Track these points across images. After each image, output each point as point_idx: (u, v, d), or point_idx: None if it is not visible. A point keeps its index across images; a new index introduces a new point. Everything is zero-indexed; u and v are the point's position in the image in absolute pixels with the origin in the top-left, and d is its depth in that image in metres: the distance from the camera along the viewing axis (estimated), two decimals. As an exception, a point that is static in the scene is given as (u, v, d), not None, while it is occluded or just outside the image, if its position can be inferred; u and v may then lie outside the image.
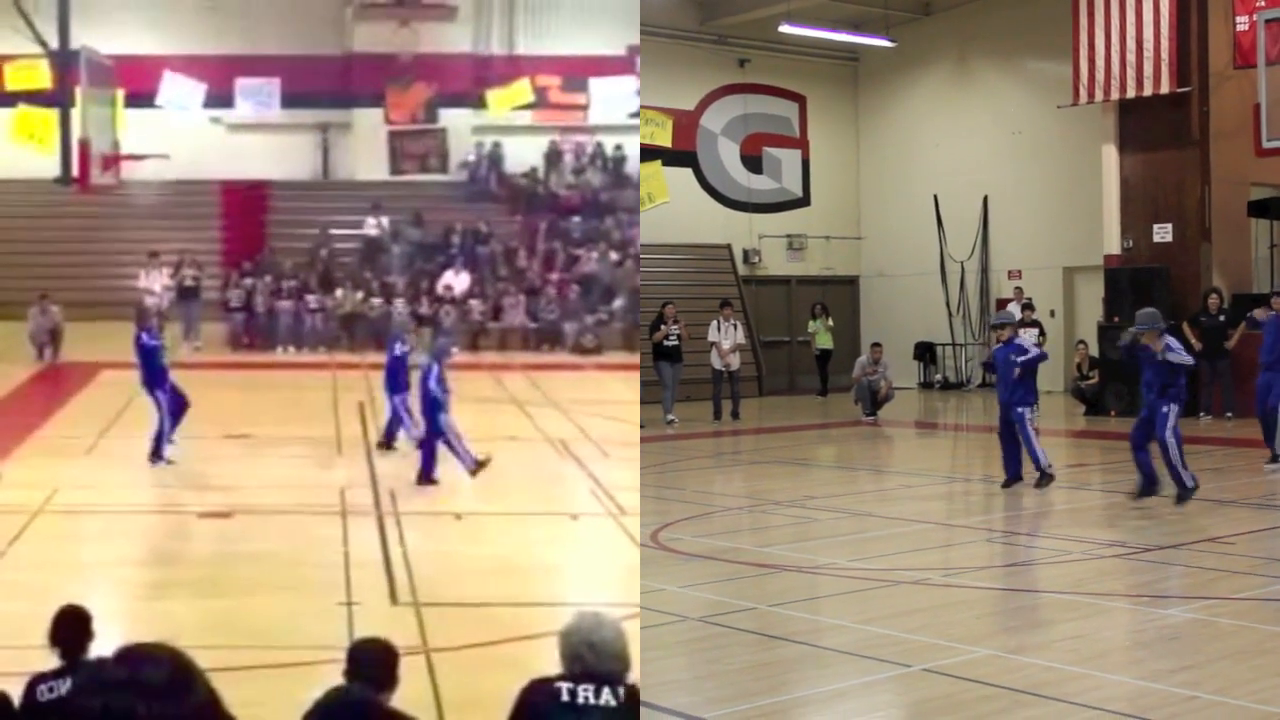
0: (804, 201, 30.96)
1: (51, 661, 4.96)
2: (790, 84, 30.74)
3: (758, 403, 26.34)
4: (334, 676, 4.50)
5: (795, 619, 8.58)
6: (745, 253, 29.89)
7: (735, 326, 23.43)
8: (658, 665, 7.34)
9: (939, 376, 29.44)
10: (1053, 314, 26.64)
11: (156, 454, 12.73)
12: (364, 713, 4.10)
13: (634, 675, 4.05)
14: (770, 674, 7.37)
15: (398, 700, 4.36)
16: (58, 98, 22.40)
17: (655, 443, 18.88)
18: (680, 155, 28.29)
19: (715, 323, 23.21)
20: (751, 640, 8.03)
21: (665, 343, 22.24)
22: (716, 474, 17.81)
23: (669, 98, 27.98)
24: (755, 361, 28.27)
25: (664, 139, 27.38)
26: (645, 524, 11.75)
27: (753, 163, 30.17)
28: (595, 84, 26.56)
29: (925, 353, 29.59)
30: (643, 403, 21.68)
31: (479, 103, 26.59)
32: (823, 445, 20.39)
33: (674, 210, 26.95)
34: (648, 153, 25.57)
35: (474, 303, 22.73)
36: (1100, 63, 23.01)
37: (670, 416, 21.85)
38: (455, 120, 26.58)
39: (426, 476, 12.04)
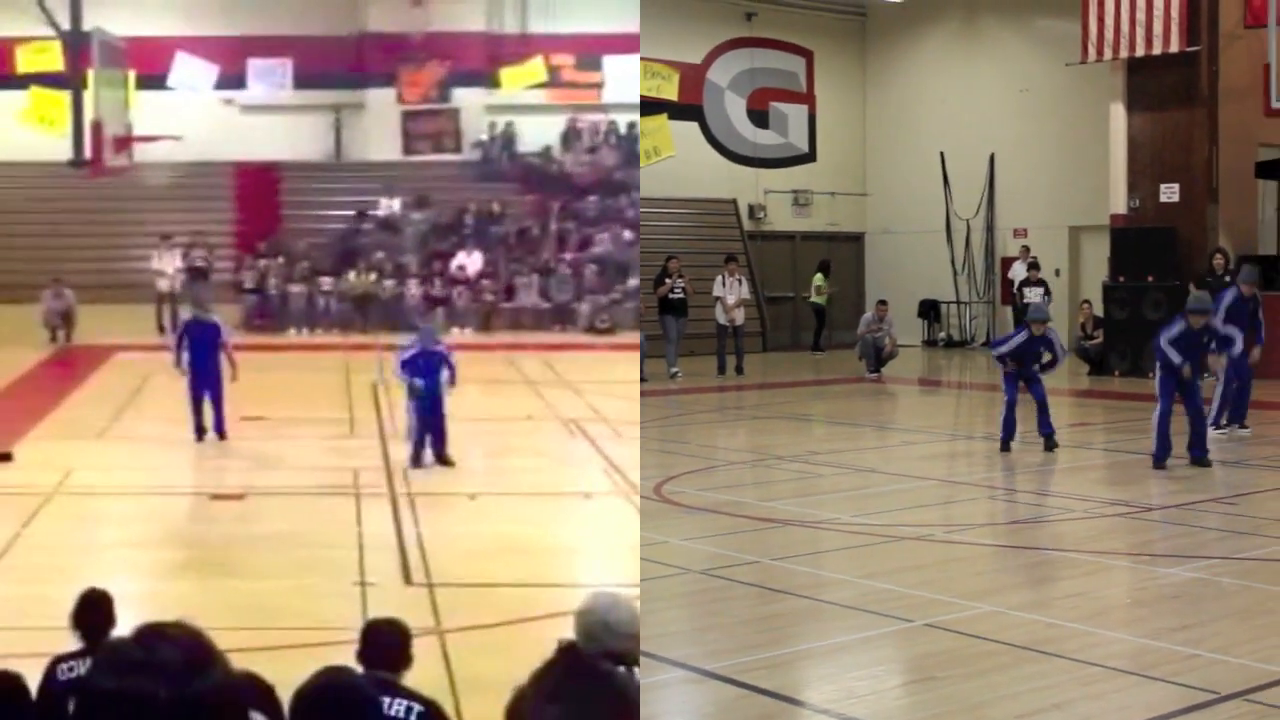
0: (810, 157, 30.86)
1: (67, 642, 4.96)
2: (797, 39, 30.57)
3: (761, 358, 26.34)
4: (348, 657, 4.49)
5: (797, 573, 8.61)
6: (750, 208, 29.81)
7: (740, 282, 23.39)
8: (660, 617, 7.37)
9: (943, 334, 29.43)
10: (1058, 273, 26.59)
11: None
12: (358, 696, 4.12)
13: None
14: (772, 627, 7.40)
15: (411, 680, 4.37)
16: (70, 80, 22.34)
17: (659, 396, 18.89)
18: (686, 109, 28.14)
19: (720, 278, 23.17)
20: (753, 593, 8.06)
21: (670, 296, 22.21)
22: (720, 428, 17.82)
23: (675, 50, 27.83)
24: (760, 317, 28.25)
25: (670, 92, 27.22)
26: (648, 477, 11.77)
27: (759, 117, 30.04)
28: (609, 62, 26.39)
29: (930, 310, 29.58)
30: (647, 356, 21.70)
31: (492, 82, 26.43)
32: (826, 401, 20.40)
33: (679, 164, 26.85)
34: (654, 106, 25.39)
35: (487, 283, 22.61)
36: (1109, 20, 22.84)
37: (674, 370, 21.87)
38: (468, 100, 26.46)
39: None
